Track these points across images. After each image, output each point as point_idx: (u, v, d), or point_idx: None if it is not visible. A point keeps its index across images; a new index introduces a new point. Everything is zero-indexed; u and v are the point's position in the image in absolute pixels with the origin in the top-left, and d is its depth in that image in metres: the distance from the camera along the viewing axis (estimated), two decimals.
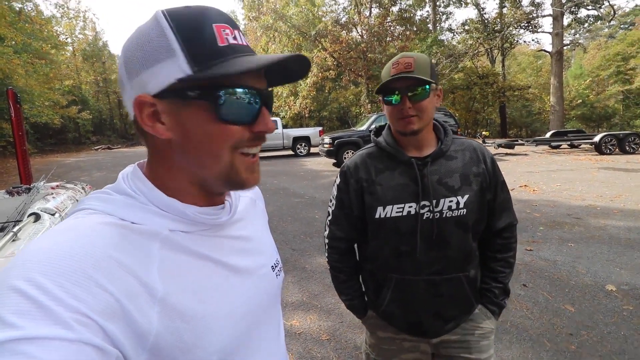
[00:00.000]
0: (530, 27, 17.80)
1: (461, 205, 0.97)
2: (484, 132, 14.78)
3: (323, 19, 19.58)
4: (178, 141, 0.43)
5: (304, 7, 19.15)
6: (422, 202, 0.97)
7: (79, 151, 24.45)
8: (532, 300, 2.65)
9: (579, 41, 18.16)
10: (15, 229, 1.44)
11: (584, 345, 2.12)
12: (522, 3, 18.14)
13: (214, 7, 0.45)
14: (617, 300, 2.60)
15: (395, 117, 0.98)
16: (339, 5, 21.36)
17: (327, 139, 10.63)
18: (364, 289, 1.16)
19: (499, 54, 23.87)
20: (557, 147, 13.08)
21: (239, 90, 0.43)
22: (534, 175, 7.65)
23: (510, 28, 17.90)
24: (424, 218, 0.97)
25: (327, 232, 1.16)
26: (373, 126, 10.85)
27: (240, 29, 0.47)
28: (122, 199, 0.44)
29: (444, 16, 21.08)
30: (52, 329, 0.31)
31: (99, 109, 33.94)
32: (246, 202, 0.61)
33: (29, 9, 12.84)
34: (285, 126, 14.98)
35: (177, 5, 0.43)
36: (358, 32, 20.43)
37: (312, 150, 14.10)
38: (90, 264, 0.35)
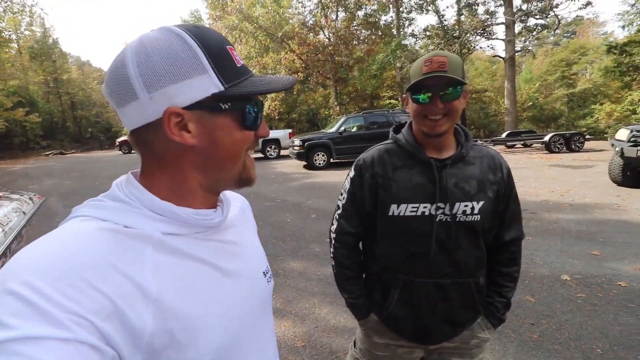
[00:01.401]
0: (485, 34, 18.89)
1: (475, 211, 0.96)
2: None
3: (290, 21, 19.54)
4: (202, 147, 0.47)
5: (270, 8, 19.00)
6: (438, 204, 0.96)
7: (27, 157, 22.47)
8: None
9: (529, 48, 19.53)
10: None
11: (544, 334, 2.26)
12: (477, 11, 19.23)
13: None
14: (572, 289, 2.80)
15: (422, 115, 0.96)
16: (305, 7, 21.39)
17: (297, 141, 10.59)
18: (368, 291, 1.13)
19: None
20: (512, 146, 13.99)
21: (256, 103, 0.51)
22: None
23: (468, 35, 18.88)
24: (438, 220, 0.96)
25: (334, 226, 1.13)
26: (342, 128, 10.97)
27: None
28: (115, 205, 0.45)
29: (407, 22, 21.81)
30: (48, 328, 0.31)
31: (49, 111, 31.47)
32: (236, 211, 0.63)
33: None
34: None
35: (186, 24, 0.48)
36: (325, 35, 20.61)
37: (283, 152, 13.99)
38: (84, 266, 0.36)
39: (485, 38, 19.19)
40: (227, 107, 0.47)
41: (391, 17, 21.75)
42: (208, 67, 0.45)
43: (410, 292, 1.01)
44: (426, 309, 1.01)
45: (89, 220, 0.43)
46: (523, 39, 19.09)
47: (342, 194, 1.13)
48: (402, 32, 21.27)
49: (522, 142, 13.54)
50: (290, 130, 14.62)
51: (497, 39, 18.99)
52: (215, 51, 0.46)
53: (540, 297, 2.70)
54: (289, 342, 2.30)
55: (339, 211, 1.13)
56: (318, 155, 10.34)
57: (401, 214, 0.99)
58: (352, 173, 1.11)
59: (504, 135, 14.03)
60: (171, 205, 0.46)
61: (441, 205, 0.97)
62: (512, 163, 9.67)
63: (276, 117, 21.64)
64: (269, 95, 20.43)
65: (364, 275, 1.16)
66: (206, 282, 0.46)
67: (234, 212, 0.61)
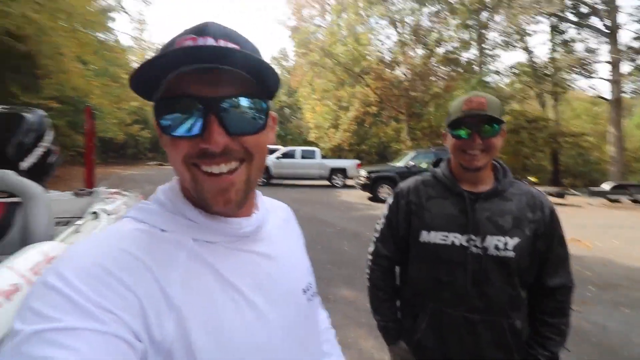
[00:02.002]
0: (584, 73, 17.09)
1: (509, 247, 0.96)
2: (530, 178, 13.95)
3: (368, 57, 20.35)
4: None
5: (350, 46, 20.11)
6: (469, 235, 0.98)
7: (135, 165, 26.63)
8: None
9: None
10: (78, 223, 1.65)
11: None
12: (574, 49, 17.61)
13: (212, 23, 0.45)
14: None
15: (460, 150, 1.01)
16: (384, 45, 22.13)
17: (363, 172, 10.67)
18: (400, 316, 1.15)
19: (550, 99, 22.97)
20: (617, 201, 11.96)
21: (174, 100, 0.41)
22: (587, 229, 7.01)
23: (562, 73, 17.30)
24: (468, 251, 0.98)
25: (372, 249, 1.19)
26: (411, 163, 10.74)
27: (225, 34, 0.44)
28: (155, 208, 0.47)
29: (491, 58, 20.97)
30: (84, 321, 0.33)
31: None
32: (277, 221, 0.60)
33: (111, 40, 14.86)
34: (324, 157, 15.26)
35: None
36: (402, 71, 20.89)
37: (349, 182, 14.16)
38: (116, 264, 0.37)
39: (585, 77, 17.34)
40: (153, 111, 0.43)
41: (474, 54, 21.19)
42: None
43: (438, 321, 1.01)
44: (454, 341, 0.99)
45: (131, 221, 0.46)
46: (633, 79, 16.74)
47: (380, 219, 1.20)
48: (484, 69, 20.47)
49: (631, 197, 11.50)
50: (358, 162, 14.79)
51: (599, 78, 17.01)
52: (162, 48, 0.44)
53: None
54: None
55: (377, 234, 1.19)
56: (383, 187, 10.23)
57: (431, 240, 1.02)
58: (390, 200, 1.18)
59: (605, 186, 12.11)
60: (200, 212, 0.46)
61: (472, 237, 0.98)
62: (616, 220, 8.26)
63: (346, 148, 22.15)
64: (340, 126, 21.16)
65: (398, 302, 1.17)
66: (230, 306, 0.44)
67: (274, 222, 0.59)
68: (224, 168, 0.43)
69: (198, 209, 0.47)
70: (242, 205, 0.47)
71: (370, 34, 21.39)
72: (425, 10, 19.81)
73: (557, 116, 22.03)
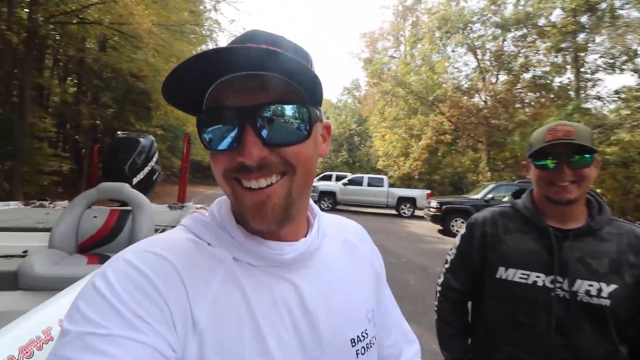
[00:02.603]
0: None
1: (604, 294, 0.85)
2: None
3: (443, 85, 19.82)
4: None
5: (424, 74, 19.89)
6: (554, 277, 0.89)
7: (216, 186, 29.39)
8: None
9: None
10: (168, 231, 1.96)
11: None
12: None
13: (257, 31, 0.43)
14: None
15: (547, 182, 0.93)
16: (461, 72, 21.36)
17: (434, 203, 10.12)
18: (471, 356, 1.07)
19: None
20: None
21: (210, 113, 0.40)
22: None
23: None
24: (553, 294, 0.89)
25: (441, 280, 1.15)
26: (489, 195, 9.89)
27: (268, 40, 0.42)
28: (207, 220, 0.47)
29: (590, 83, 18.59)
30: (124, 329, 0.33)
31: None
32: (337, 246, 0.53)
33: None
34: (392, 185, 14.96)
35: None
36: (481, 98, 19.78)
37: (418, 213, 13.55)
38: (156, 274, 0.37)
39: None
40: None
41: (568, 78, 19.09)
42: None
43: None
44: None
45: (183, 230, 0.46)
46: None
47: (451, 249, 1.15)
48: (582, 94, 18.20)
49: None
50: (428, 191, 14.14)
51: None
52: None
53: None
54: None
55: (447, 265, 1.14)
56: (456, 221, 9.53)
57: (509, 278, 0.94)
58: (462, 230, 1.12)
59: None
60: (240, 232, 0.44)
61: (559, 278, 0.88)
62: None
63: (416, 177, 21.39)
64: (411, 155, 20.62)
65: (469, 340, 1.09)
66: (253, 348, 0.39)
67: (334, 248, 0.52)
68: (262, 183, 0.40)
69: (239, 225, 0.45)
70: (282, 224, 0.42)
71: (446, 62, 20.94)
72: (509, 34, 18.75)
73: None
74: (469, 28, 19.11)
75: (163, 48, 8.75)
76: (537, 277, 0.91)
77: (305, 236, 0.48)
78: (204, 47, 17.15)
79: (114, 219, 2.02)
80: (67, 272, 1.50)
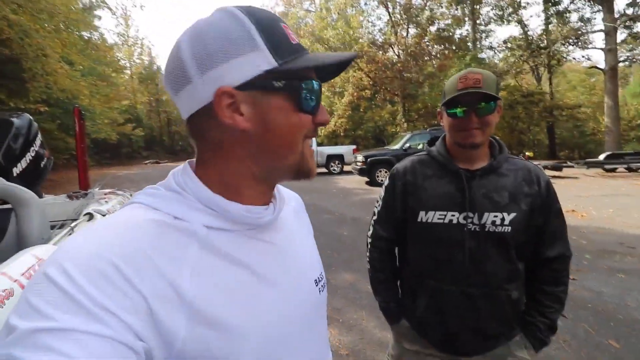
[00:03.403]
0: (579, 44, 16.89)
1: (506, 222, 0.96)
2: (527, 153, 13.98)
3: (360, 40, 20.04)
4: (255, 131, 0.44)
5: (340, 29, 19.77)
6: (466, 213, 0.99)
7: (131, 165, 26.54)
8: (570, 332, 2.45)
9: (636, 58, 16.81)
10: (72, 225, 1.65)
11: None
12: (570, 19, 17.35)
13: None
14: None
15: (457, 129, 1.00)
16: (375, 26, 21.77)
17: (360, 157, 10.67)
18: (400, 295, 1.17)
19: (546, 72, 22.76)
20: (613, 170, 12.02)
21: (314, 82, 0.46)
22: (583, 199, 7.10)
23: (557, 44, 17.09)
24: (465, 229, 0.98)
25: (370, 231, 1.20)
26: (407, 145, 10.73)
27: None
28: (168, 194, 0.44)
29: (484, 34, 20.67)
30: (82, 322, 0.30)
31: (150, 126, 37.03)
32: (289, 211, 0.59)
33: (96, 37, 14.60)
34: (320, 144, 15.20)
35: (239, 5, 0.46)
36: (394, 52, 20.61)
37: (346, 168, 14.17)
38: (124, 260, 0.35)
39: (580, 48, 17.15)
40: (281, 85, 0.43)
41: (467, 30, 20.87)
42: (260, 42, 0.42)
43: (438, 299, 1.03)
44: (454, 316, 1.01)
45: (141, 208, 0.43)
46: (628, 47, 16.54)
47: (377, 201, 1.20)
48: (478, 45, 20.21)
49: (626, 166, 11.57)
50: (354, 147, 14.75)
51: (594, 48, 16.83)
52: (268, 27, 0.43)
53: (628, 343, 2.30)
54: (333, 349, 2.34)
55: (375, 217, 1.20)
56: (380, 171, 10.25)
57: (429, 220, 1.02)
58: (386, 182, 1.17)
59: (601, 157, 12.16)
60: (222, 199, 0.44)
61: (469, 214, 0.99)
62: (611, 190, 8.33)
63: (342, 134, 22.07)
64: (335, 112, 21.02)
65: (398, 282, 1.19)
66: (248, 290, 0.43)
67: (287, 212, 0.58)
68: None
69: (217, 194, 0.45)
70: None
71: (361, 16, 21.01)
72: None
73: (553, 89, 21.89)
74: None
75: (26, 2, 6.91)
76: (452, 215, 1.00)
77: (269, 201, 0.53)
78: (84, 2, 14.19)
79: None
80: None
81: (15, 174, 2.39)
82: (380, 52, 20.23)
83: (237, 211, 0.45)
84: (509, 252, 0.98)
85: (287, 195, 0.63)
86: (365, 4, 21.01)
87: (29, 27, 7.20)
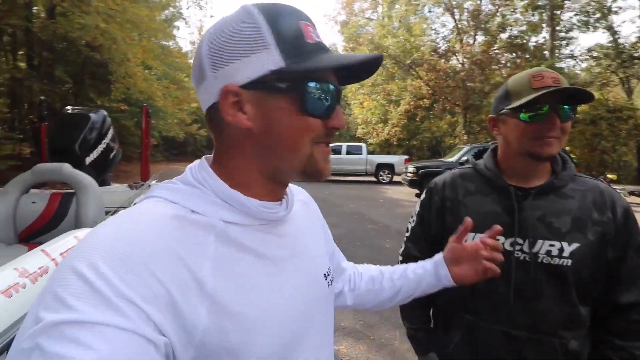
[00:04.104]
0: None
1: (566, 254, 0.80)
2: (609, 176, 12.21)
3: (421, 48, 19.45)
4: (258, 131, 0.44)
5: (401, 37, 19.39)
6: (514, 239, 0.84)
7: (193, 161, 28.82)
8: None
9: None
10: (120, 212, 1.82)
11: None
12: None
13: (296, 7, 0.48)
14: None
15: (532, 136, 0.83)
16: (438, 34, 20.92)
17: (411, 168, 10.26)
18: (432, 325, 1.04)
19: (639, 85, 19.83)
20: None
21: (324, 84, 0.44)
22: None
23: None
24: (512, 257, 0.84)
25: (402, 249, 1.10)
26: (464, 158, 10.10)
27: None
28: (186, 188, 0.45)
29: (564, 42, 18.69)
30: (107, 315, 0.31)
31: None
32: (299, 205, 0.60)
33: (172, 45, 16.20)
34: (371, 152, 14.97)
35: (265, 2, 0.45)
36: (458, 60, 19.61)
37: (396, 179, 13.74)
38: (147, 252, 0.36)
39: None
40: (284, 86, 0.43)
41: (544, 37, 19.10)
42: (271, 42, 0.42)
43: (474, 336, 0.88)
44: None
45: (160, 202, 0.44)
46: None
47: (412, 217, 1.09)
48: (556, 53, 18.37)
49: None
50: (406, 157, 14.28)
51: None
52: (283, 25, 0.43)
53: None
54: None
55: (407, 234, 1.09)
56: None
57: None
58: (423, 196, 1.06)
59: None
60: (239, 194, 0.45)
61: (519, 240, 0.83)
62: None
63: (395, 143, 21.49)
64: (389, 121, 20.58)
65: (431, 309, 1.06)
66: (264, 280, 0.44)
67: (298, 206, 0.59)
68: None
69: (234, 190, 0.45)
70: None
71: (424, 24, 20.40)
72: None
73: None
74: None
75: (115, 12, 7.94)
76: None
77: (282, 197, 0.54)
78: (166, 13, 15.87)
79: (56, 204, 1.86)
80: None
81: (87, 162, 2.70)
82: (443, 60, 19.38)
83: (254, 206, 0.46)
84: (568, 290, 0.81)
85: (296, 190, 0.64)
86: (430, 11, 20.38)
87: (117, 35, 8.29)
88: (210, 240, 0.41)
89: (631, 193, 10.06)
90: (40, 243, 1.71)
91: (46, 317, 0.30)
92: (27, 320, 0.32)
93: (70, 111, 3.15)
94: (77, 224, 1.74)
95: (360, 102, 23.16)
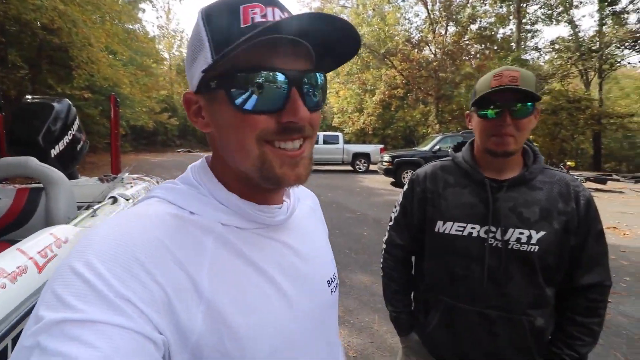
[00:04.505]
0: (637, 47, 15.51)
1: (533, 241, 0.87)
2: (568, 163, 13.06)
3: (395, 37, 19.60)
4: (215, 135, 0.44)
5: (376, 26, 19.43)
6: (488, 227, 0.90)
7: (164, 152, 27.76)
8: (601, 359, 2.25)
9: None
10: (95, 207, 1.73)
11: None
12: (627, 20, 15.95)
13: None
14: None
15: (488, 133, 0.90)
16: (412, 23, 21.14)
17: (386, 157, 10.47)
18: (413, 307, 1.11)
19: (596, 77, 21.14)
20: None
21: (257, 74, 0.38)
22: (627, 216, 6.53)
23: (611, 48, 15.81)
24: (486, 244, 0.90)
25: (386, 237, 1.15)
26: (437, 147, 10.42)
27: (285, 7, 0.42)
28: (185, 189, 0.45)
29: (530, 34, 19.47)
30: (106, 314, 0.31)
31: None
32: (305, 210, 0.59)
33: (138, 29, 15.32)
34: (347, 142, 15.07)
35: None
36: (431, 51, 19.98)
37: (372, 167, 13.98)
38: (144, 253, 0.35)
39: (637, 52, 15.77)
40: (214, 85, 0.40)
41: (511, 29, 19.80)
42: (205, 39, 0.39)
43: (451, 317, 0.95)
44: (468, 339, 0.94)
45: (159, 202, 0.43)
46: None
47: (395, 207, 1.14)
48: (522, 46, 19.13)
49: None
50: (381, 146, 14.50)
51: None
52: (216, 17, 0.40)
53: None
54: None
55: (391, 223, 1.14)
56: (407, 173, 10.00)
57: (446, 231, 0.95)
58: (406, 186, 1.11)
59: None
60: (235, 197, 0.44)
61: (492, 229, 0.90)
62: None
63: (370, 132, 21.75)
64: (365, 110, 20.75)
65: (412, 293, 1.13)
66: (259, 292, 0.42)
67: (302, 211, 0.57)
68: (297, 143, 0.42)
69: (231, 192, 0.45)
70: (306, 181, 0.46)
71: (398, 13, 20.51)
72: None
73: (602, 96, 20.34)
74: None
75: None
76: (473, 228, 0.92)
77: (283, 200, 0.52)
78: None
79: (24, 199, 1.76)
80: None
81: (53, 155, 2.54)
82: (416, 50, 19.66)
83: (250, 210, 0.45)
84: (535, 274, 0.89)
85: (304, 194, 0.62)
86: (403, 0, 20.49)
87: (77, 17, 7.71)
88: (209, 242, 0.41)
89: (587, 179, 10.81)
90: (9, 241, 1.62)
91: (47, 316, 0.31)
92: (30, 320, 0.32)
93: (30, 100, 2.94)
94: (49, 221, 1.66)
95: (336, 91, 23.13)
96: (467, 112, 1.00)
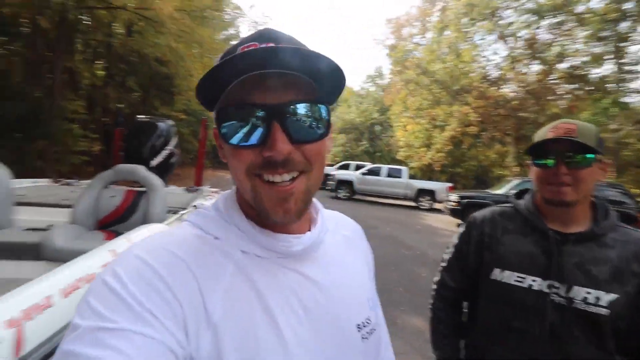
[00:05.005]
0: None
1: (603, 303, 0.81)
2: None
3: (470, 74, 19.04)
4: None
5: (450, 63, 19.17)
6: (551, 282, 0.86)
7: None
8: None
9: None
10: (181, 213, 2.03)
11: None
12: None
13: (271, 29, 0.46)
14: None
15: (544, 181, 0.90)
16: (490, 61, 20.37)
17: (454, 197, 9.88)
18: (463, 356, 1.05)
19: None
20: None
21: (237, 109, 0.41)
22: None
23: None
24: (548, 299, 0.86)
25: (437, 278, 1.14)
26: (513, 191, 9.57)
27: (285, 39, 0.44)
28: (212, 214, 0.48)
29: (632, 75, 17.27)
30: (134, 324, 0.34)
31: None
32: (338, 240, 0.56)
33: None
34: (412, 177, 14.62)
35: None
36: (510, 89, 18.89)
37: (437, 206, 13.29)
38: (168, 270, 0.38)
39: None
40: (214, 117, 0.44)
41: (610, 69, 17.84)
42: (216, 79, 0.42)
43: None
44: None
45: (189, 226, 0.47)
46: None
47: (449, 248, 1.12)
48: (622, 87, 17.01)
49: None
50: (449, 184, 13.77)
51: None
52: (222, 57, 0.44)
53: None
54: None
55: (444, 264, 1.12)
56: None
57: (504, 280, 0.91)
58: (461, 229, 1.09)
59: None
60: (252, 225, 0.46)
61: (555, 283, 0.85)
62: None
63: (438, 169, 20.89)
64: (433, 146, 20.12)
65: (463, 342, 1.07)
66: (273, 326, 0.41)
67: (334, 242, 0.54)
68: (285, 177, 0.42)
69: (250, 220, 0.46)
70: (302, 216, 0.45)
71: (474, 51, 20.03)
72: (544, 22, 17.65)
73: None
74: (498, 15, 18.11)
75: (185, 33, 8.93)
76: (533, 280, 0.88)
77: (310, 229, 0.50)
78: (225, 34, 17.20)
79: (131, 199, 2.12)
80: (86, 246, 1.60)
81: (152, 165, 3.01)
82: (493, 87, 18.78)
83: (264, 237, 0.45)
84: (603, 339, 0.81)
85: (342, 223, 0.60)
86: (482, 39, 20.00)
87: (184, 53, 9.25)
88: (228, 268, 0.42)
89: None
90: (115, 232, 1.95)
91: (81, 324, 0.34)
92: (68, 330, 0.35)
93: (141, 119, 3.54)
94: (146, 220, 1.97)
95: (403, 125, 22.99)
96: (527, 161, 0.98)
